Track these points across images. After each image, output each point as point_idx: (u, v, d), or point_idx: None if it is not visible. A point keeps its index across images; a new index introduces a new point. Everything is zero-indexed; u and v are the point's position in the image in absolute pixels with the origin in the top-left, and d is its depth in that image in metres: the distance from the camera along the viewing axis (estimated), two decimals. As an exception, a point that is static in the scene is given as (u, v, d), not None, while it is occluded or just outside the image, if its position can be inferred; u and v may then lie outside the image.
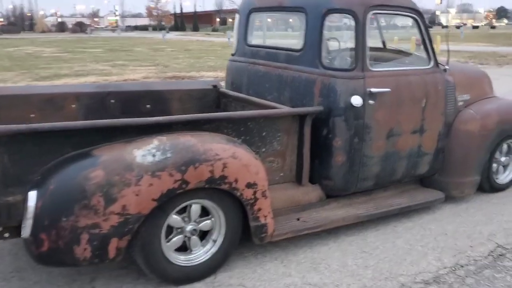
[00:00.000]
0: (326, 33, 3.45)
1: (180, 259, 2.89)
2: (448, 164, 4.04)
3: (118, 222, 2.55)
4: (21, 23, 72.07)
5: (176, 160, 2.65)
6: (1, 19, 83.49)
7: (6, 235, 2.63)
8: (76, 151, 2.65)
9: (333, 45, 3.93)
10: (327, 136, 3.42)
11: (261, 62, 3.99)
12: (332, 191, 3.57)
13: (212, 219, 2.96)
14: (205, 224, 2.95)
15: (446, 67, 3.91)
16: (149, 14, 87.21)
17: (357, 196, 3.75)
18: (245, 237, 3.05)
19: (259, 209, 2.99)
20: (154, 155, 2.63)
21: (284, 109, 3.39)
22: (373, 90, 3.40)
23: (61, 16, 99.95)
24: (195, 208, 2.88)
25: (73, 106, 3.82)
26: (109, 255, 2.58)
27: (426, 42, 3.77)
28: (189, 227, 2.89)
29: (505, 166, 4.52)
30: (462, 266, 3.15)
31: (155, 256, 2.76)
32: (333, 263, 3.17)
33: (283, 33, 4.87)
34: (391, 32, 4.87)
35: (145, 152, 2.63)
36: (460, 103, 4.09)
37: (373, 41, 4.23)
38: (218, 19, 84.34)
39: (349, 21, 3.38)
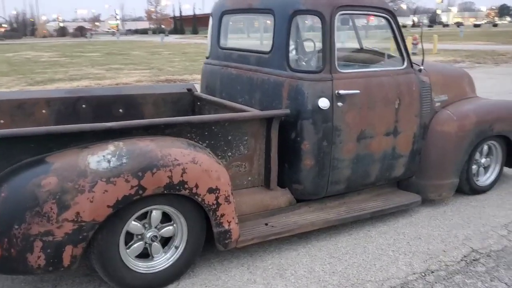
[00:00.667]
0: (293, 35, 3.39)
1: (141, 266, 2.83)
2: (425, 166, 3.98)
3: (72, 229, 2.50)
4: (23, 28, 72.31)
5: (132, 165, 2.60)
6: (5, 25, 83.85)
7: None
8: (31, 158, 2.60)
9: (301, 47, 3.88)
10: (295, 139, 3.36)
11: (233, 65, 3.95)
12: (302, 195, 3.51)
13: (174, 225, 2.90)
14: (167, 230, 2.90)
15: (421, 67, 3.85)
16: (149, 18, 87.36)
17: (329, 200, 3.69)
18: (211, 242, 2.99)
19: (222, 215, 2.93)
20: (109, 161, 2.57)
21: (248, 112, 3.34)
22: (342, 92, 3.34)
23: (63, 21, 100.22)
24: (156, 214, 2.83)
25: (44, 111, 3.78)
26: (64, 263, 2.53)
27: (399, 42, 3.71)
28: (149, 234, 2.83)
29: (486, 168, 4.45)
30: (432, 272, 3.08)
31: (113, 263, 2.71)
32: (300, 269, 3.10)
33: (255, 35, 4.80)
34: (372, 32, 4.79)
35: (100, 158, 2.58)
36: (437, 104, 4.03)
37: (349, 41, 4.21)
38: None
39: (316, 22, 3.32)
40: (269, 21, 3.62)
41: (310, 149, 3.34)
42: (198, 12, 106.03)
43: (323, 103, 3.27)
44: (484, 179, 4.43)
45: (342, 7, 3.36)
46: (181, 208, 2.85)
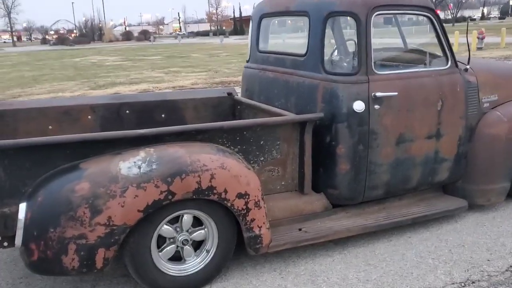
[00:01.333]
0: (328, 37, 3.34)
1: (173, 269, 2.89)
2: (472, 170, 3.79)
3: (104, 233, 2.59)
4: (92, 33, 75.67)
5: (162, 171, 2.66)
6: (75, 31, 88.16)
7: (5, 244, 2.75)
8: (67, 164, 2.72)
9: (338, 49, 3.80)
10: (330, 143, 3.31)
11: (270, 68, 3.94)
12: (338, 200, 3.45)
13: (205, 229, 2.94)
14: (198, 234, 2.93)
15: (467, 66, 3.67)
16: (210, 20, 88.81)
17: (368, 205, 3.60)
18: (244, 246, 3.00)
19: (252, 220, 2.93)
20: (139, 167, 2.65)
21: (279, 117, 3.32)
22: (378, 94, 3.25)
23: (129, 25, 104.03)
24: (187, 218, 2.88)
25: (89, 117, 3.94)
26: (97, 265, 2.63)
27: (443, 41, 3.56)
28: (181, 237, 2.88)
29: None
30: (473, 282, 2.93)
31: (145, 266, 2.78)
32: (333, 276, 3.05)
33: (293, 38, 4.76)
34: (416, 28, 4.61)
35: (131, 164, 2.65)
36: (486, 105, 3.83)
37: (393, 40, 4.08)
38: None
39: (351, 23, 3.25)
40: (304, 23, 3.57)
41: (346, 153, 3.28)
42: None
43: (358, 106, 3.20)
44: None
45: (378, 7, 3.27)
46: (211, 213, 2.88)
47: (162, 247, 2.88)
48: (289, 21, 4.66)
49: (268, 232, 3.03)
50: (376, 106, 3.27)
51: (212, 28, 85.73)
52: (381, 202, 3.66)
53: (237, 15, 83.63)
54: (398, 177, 3.49)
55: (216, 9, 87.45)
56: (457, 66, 3.64)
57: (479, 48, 20.44)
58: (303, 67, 3.53)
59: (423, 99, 3.43)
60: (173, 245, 2.89)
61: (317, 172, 3.42)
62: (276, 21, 4.12)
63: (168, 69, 18.57)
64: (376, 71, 3.29)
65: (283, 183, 3.38)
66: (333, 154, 3.31)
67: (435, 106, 3.49)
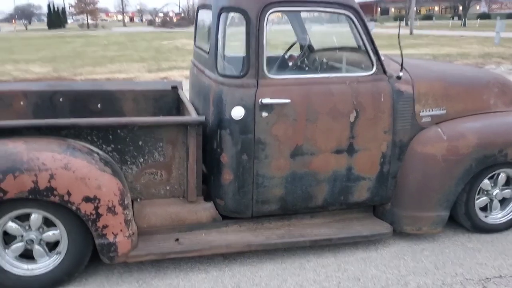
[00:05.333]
0: (221, 35, 3.03)
1: (19, 268, 2.82)
2: (401, 193, 3.30)
3: None
4: (193, 17, 78.03)
5: (-6, 167, 2.58)
6: (182, 14, 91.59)
7: None
8: None
9: (231, 48, 3.46)
10: (216, 150, 3.03)
11: (197, 64, 3.71)
12: (225, 212, 3.16)
13: (57, 231, 2.83)
14: (50, 235, 2.83)
15: (400, 74, 3.17)
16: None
17: (271, 220, 3.28)
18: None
19: (105, 226, 2.77)
20: None
21: (157, 118, 3.11)
22: (266, 101, 2.90)
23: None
24: (35, 217, 2.78)
25: (22, 103, 3.97)
26: None
27: (366, 45, 3.10)
28: (28, 236, 2.80)
29: (505, 201, 3.55)
30: (333, 324, 2.55)
31: (-16, 261, 2.74)
32: (189, 295, 2.81)
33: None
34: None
35: (-32, 157, 2.60)
36: (426, 120, 3.29)
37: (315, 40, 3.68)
38: (379, 9, 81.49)
39: (242, 21, 2.92)
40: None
41: (229, 162, 2.99)
42: (358, 0, 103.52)
43: (237, 112, 2.89)
44: (499, 215, 3.53)
45: (274, 3, 2.90)
46: (57, 215, 2.76)
47: (11, 244, 2.82)
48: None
49: (129, 240, 2.85)
50: (264, 114, 2.93)
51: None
52: (288, 218, 3.31)
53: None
54: (296, 193, 3.12)
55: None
56: (385, 72, 3.16)
57: None
58: (207, 66, 3.27)
59: (330, 108, 3.02)
60: (21, 243, 2.82)
61: (210, 180, 3.16)
62: (205, 14, 3.84)
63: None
64: (269, 74, 2.95)
65: (168, 188, 3.16)
66: (218, 162, 3.03)
67: (346, 117, 3.06)
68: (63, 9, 72.65)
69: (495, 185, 3.48)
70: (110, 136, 2.96)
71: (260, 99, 2.90)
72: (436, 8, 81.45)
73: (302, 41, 3.94)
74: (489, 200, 3.50)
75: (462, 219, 3.44)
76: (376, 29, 34.51)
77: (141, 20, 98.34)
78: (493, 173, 3.41)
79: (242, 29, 2.91)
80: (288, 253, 3.24)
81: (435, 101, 3.30)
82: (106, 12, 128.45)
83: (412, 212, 3.29)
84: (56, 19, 65.05)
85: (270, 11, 2.89)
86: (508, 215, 3.53)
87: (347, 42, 3.23)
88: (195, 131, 3.00)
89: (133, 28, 56.63)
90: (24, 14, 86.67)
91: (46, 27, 64.21)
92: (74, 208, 2.69)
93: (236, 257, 3.18)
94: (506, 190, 3.51)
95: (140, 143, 3.02)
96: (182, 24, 57.57)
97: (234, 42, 3.18)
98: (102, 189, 2.74)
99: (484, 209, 3.52)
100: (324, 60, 3.48)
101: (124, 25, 74.06)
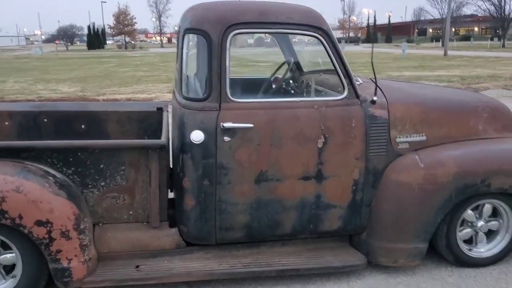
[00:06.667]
0: (185, 57, 2.99)
1: (-26, 291, 2.80)
2: (375, 223, 3.14)
3: None
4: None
5: None
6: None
7: None
8: None
9: (194, 70, 3.39)
10: (179, 175, 2.96)
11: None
12: (189, 239, 3.07)
13: (14, 254, 2.80)
14: (6, 257, 2.80)
15: (374, 98, 3.04)
16: (341, 27, 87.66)
17: (239, 248, 3.16)
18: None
19: (59, 251, 2.73)
20: None
21: (117, 141, 3.06)
22: (227, 125, 2.82)
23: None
24: (-9, 239, 2.77)
25: (6, 123, 4.01)
26: None
27: (337, 66, 2.99)
28: (-15, 259, 2.78)
29: (490, 233, 3.33)
30: None
31: None
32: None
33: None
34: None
35: None
36: (403, 146, 3.13)
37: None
38: (416, 30, 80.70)
39: (204, 43, 2.86)
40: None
41: (191, 187, 2.91)
42: (399, 20, 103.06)
43: (196, 136, 2.81)
44: (485, 249, 3.30)
45: (237, 25, 2.83)
46: (10, 238, 2.74)
47: (-24, 263, 2.81)
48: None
49: (84, 265, 2.79)
50: (226, 138, 2.84)
51: (344, 35, 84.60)
52: (257, 245, 3.19)
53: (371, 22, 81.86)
54: (262, 220, 3.00)
55: (349, 16, 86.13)
56: (357, 97, 3.03)
57: None
58: (176, 88, 3.23)
59: (296, 133, 2.91)
60: (-24, 265, 2.80)
61: (176, 206, 3.09)
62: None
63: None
64: (232, 98, 2.87)
65: (131, 212, 3.10)
66: (181, 187, 2.96)
67: (314, 143, 2.94)
68: (103, 30, 75.04)
69: (480, 216, 3.27)
70: (71, 159, 2.93)
71: (221, 123, 2.82)
72: (476, 29, 79.90)
73: (289, 63, 3.86)
74: (474, 233, 3.28)
75: (444, 252, 3.24)
76: (409, 50, 34.16)
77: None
78: (477, 203, 3.20)
79: (205, 51, 2.85)
80: (255, 283, 3.11)
81: (413, 126, 3.14)
82: (146, 33, 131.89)
83: (387, 243, 3.12)
84: (96, 40, 67.26)
85: (233, 32, 2.83)
86: (493, 249, 3.30)
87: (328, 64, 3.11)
88: (157, 154, 2.94)
89: (170, 49, 57.72)
90: (66, 35, 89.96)
91: (86, 47, 66.38)
92: (26, 231, 2.66)
93: (201, 285, 3.07)
94: (492, 222, 3.29)
95: (102, 166, 2.97)
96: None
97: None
98: (55, 212, 2.70)
99: (469, 241, 3.30)
100: (303, 82, 3.39)
101: (162, 46, 75.61)
